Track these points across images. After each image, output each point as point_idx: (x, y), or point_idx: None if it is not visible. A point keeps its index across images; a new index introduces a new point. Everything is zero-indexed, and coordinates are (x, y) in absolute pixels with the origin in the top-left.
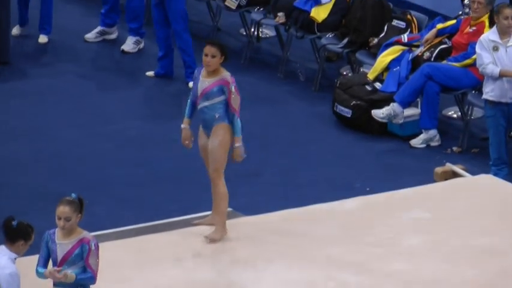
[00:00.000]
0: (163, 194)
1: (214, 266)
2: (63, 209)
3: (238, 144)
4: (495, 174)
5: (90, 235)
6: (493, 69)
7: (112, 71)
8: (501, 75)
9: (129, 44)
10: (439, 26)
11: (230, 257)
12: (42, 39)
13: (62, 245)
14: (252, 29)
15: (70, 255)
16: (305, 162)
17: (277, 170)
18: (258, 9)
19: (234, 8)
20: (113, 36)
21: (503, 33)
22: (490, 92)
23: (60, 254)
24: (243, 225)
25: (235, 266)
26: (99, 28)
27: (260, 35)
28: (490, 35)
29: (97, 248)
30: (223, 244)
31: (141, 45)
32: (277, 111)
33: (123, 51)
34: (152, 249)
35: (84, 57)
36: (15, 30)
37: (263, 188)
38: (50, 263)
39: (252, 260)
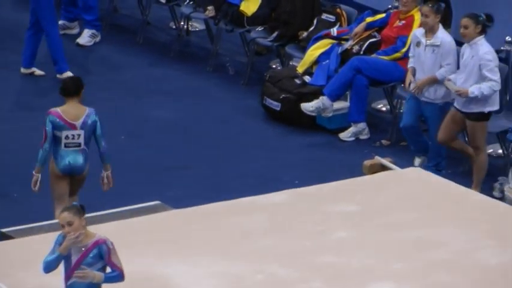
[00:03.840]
0: None
1: (143, 258)
2: (62, 216)
3: None
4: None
5: (103, 236)
6: (409, 64)
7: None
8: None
9: (85, 37)
10: (368, 19)
11: (158, 250)
12: None
13: (76, 248)
14: (182, 23)
15: (85, 257)
16: (234, 155)
17: (206, 163)
18: (188, 2)
19: (163, 1)
20: (75, 31)
21: (426, 31)
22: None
23: (74, 257)
24: (171, 218)
25: (164, 258)
26: (60, 22)
27: (189, 28)
28: (419, 30)
29: (113, 246)
30: (151, 236)
31: (98, 39)
32: (206, 105)
33: (78, 44)
34: None
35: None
36: None
37: (192, 181)
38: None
39: (180, 252)
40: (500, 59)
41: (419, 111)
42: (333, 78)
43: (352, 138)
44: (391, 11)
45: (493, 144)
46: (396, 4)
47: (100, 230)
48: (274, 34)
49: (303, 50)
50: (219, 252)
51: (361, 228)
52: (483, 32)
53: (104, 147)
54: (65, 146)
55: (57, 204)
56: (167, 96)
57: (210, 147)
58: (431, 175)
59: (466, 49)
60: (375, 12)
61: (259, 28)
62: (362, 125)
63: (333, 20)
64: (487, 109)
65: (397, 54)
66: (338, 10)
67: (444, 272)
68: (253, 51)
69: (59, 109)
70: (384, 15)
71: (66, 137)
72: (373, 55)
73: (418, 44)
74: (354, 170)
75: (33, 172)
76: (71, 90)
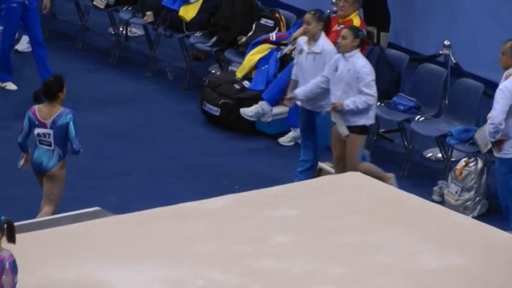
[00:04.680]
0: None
1: (81, 264)
2: None
3: None
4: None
5: (8, 254)
6: (293, 72)
7: None
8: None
9: (23, 44)
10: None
11: (97, 256)
12: None
13: None
14: (121, 28)
15: None
16: (174, 160)
17: (146, 169)
18: (127, 8)
19: (102, 7)
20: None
21: (308, 38)
22: None
23: None
24: (110, 223)
25: (103, 264)
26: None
27: (129, 34)
28: (303, 38)
29: (12, 266)
30: (91, 242)
31: None
32: (145, 110)
33: (16, 51)
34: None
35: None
36: None
37: (133, 186)
38: None
39: (121, 258)
40: (439, 63)
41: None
42: (272, 83)
43: (292, 143)
44: (330, 15)
45: (432, 148)
46: (335, 9)
47: (39, 237)
48: (213, 39)
49: (242, 55)
50: (159, 258)
51: (302, 233)
52: (360, 46)
53: (75, 148)
54: (40, 143)
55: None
56: (107, 102)
57: (151, 152)
58: (371, 180)
59: (340, 61)
60: None
61: (198, 33)
62: None
63: (271, 25)
64: (368, 122)
65: None
66: (277, 15)
67: (385, 276)
68: (192, 57)
69: (36, 107)
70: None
71: (38, 135)
72: None
73: (300, 51)
74: (293, 175)
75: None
76: (45, 91)
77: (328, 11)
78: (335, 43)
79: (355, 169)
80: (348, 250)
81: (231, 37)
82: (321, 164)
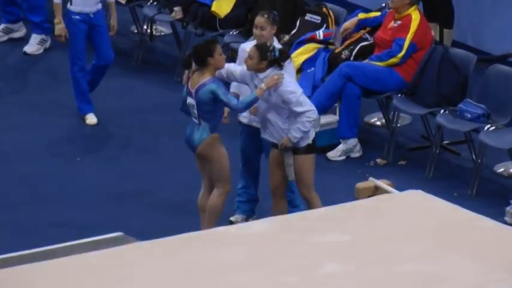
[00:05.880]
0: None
1: None
2: None
3: None
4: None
5: None
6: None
7: (8, 78)
8: None
9: (33, 45)
10: (361, 15)
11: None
12: None
13: None
14: (145, 26)
15: None
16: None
17: (174, 189)
18: (151, 3)
19: (123, 2)
20: (20, 33)
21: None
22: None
23: None
24: (135, 251)
25: None
26: (2, 25)
27: (154, 32)
28: (247, 44)
29: None
30: (111, 273)
31: (47, 44)
32: (173, 121)
33: (25, 53)
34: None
35: None
36: None
37: (158, 208)
38: None
39: None
40: None
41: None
42: (319, 88)
43: (343, 157)
44: (387, 10)
45: (504, 163)
46: (389, 2)
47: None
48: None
49: None
50: None
51: (355, 262)
52: (271, 66)
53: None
54: (192, 115)
55: None
56: (129, 111)
57: (178, 168)
58: (434, 199)
59: (257, 82)
60: (367, 11)
61: (234, 31)
62: (352, 141)
63: (318, 21)
64: (311, 139)
65: (393, 60)
66: (324, 10)
67: None
68: (227, 58)
69: (194, 71)
70: (379, 13)
71: (189, 104)
72: (366, 61)
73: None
74: (345, 194)
75: None
76: (193, 56)
77: (384, 4)
78: (391, 42)
79: (309, 197)
80: (408, 281)
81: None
82: (376, 182)
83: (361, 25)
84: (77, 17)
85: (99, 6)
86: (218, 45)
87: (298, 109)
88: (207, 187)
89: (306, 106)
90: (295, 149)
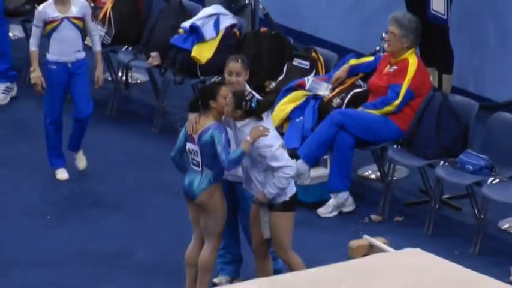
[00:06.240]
0: None
1: None
2: None
3: None
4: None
5: None
6: None
7: None
8: None
9: None
10: (352, 61)
11: None
12: None
13: None
14: (120, 73)
15: None
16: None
17: (153, 250)
18: (126, 48)
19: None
20: None
21: None
22: None
23: None
24: None
25: None
26: None
27: (129, 80)
28: None
29: None
30: None
31: (13, 93)
32: (152, 175)
33: None
34: None
35: None
36: None
37: (135, 272)
38: None
39: None
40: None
41: None
42: (309, 137)
43: (334, 213)
44: (380, 54)
45: (509, 218)
46: (385, 46)
47: None
48: None
49: (271, 104)
50: None
51: None
52: (248, 116)
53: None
54: (191, 163)
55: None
56: (104, 165)
57: (159, 227)
58: (434, 258)
59: (236, 130)
60: (360, 56)
61: (216, 78)
62: (344, 195)
63: (307, 67)
64: (288, 196)
65: (389, 108)
66: (314, 54)
67: None
68: None
69: (194, 116)
70: (372, 58)
71: (189, 151)
72: (359, 108)
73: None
74: (338, 253)
75: None
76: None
77: (378, 48)
78: (386, 88)
79: (286, 258)
80: None
81: (257, 82)
82: (371, 239)
83: (352, 72)
84: (54, 66)
85: (80, 55)
86: (224, 89)
87: (273, 164)
88: (199, 240)
89: (283, 161)
90: (270, 206)
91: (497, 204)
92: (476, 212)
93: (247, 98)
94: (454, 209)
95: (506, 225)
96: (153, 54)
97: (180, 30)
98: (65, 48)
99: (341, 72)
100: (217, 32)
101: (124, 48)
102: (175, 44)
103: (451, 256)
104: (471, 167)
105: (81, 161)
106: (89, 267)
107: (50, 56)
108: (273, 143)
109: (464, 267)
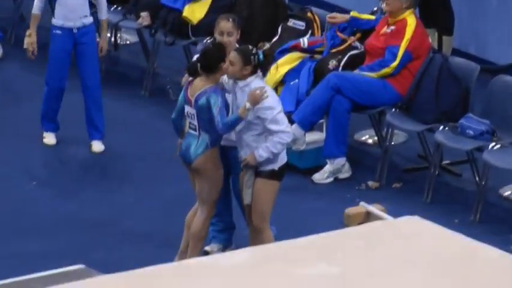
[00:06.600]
0: None
1: None
2: None
3: None
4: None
5: None
6: None
7: None
8: None
9: None
10: (354, 13)
11: None
12: None
13: None
14: (108, 34)
15: None
16: (176, 205)
17: (141, 218)
18: (116, 8)
19: None
20: None
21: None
22: None
23: None
24: (98, 285)
25: None
26: None
27: (119, 41)
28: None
29: None
30: None
31: None
32: (140, 140)
33: None
34: None
35: None
36: None
37: (122, 239)
38: None
39: None
40: None
41: None
42: (304, 101)
43: (330, 180)
44: (381, 15)
45: (511, 185)
46: (383, 5)
47: None
48: None
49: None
50: None
51: None
52: (255, 71)
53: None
54: (189, 126)
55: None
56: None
57: (147, 194)
58: (433, 226)
59: (236, 90)
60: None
61: (208, 39)
62: (340, 161)
63: (302, 28)
64: (277, 165)
65: (386, 70)
66: (309, 14)
67: None
68: None
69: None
70: (373, 17)
71: (187, 114)
72: (356, 71)
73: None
74: (333, 221)
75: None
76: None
77: (376, 8)
78: (384, 50)
79: (261, 227)
80: None
81: (250, 43)
82: (368, 207)
83: (352, 24)
84: (58, 31)
85: (87, 20)
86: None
87: (273, 127)
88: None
89: (282, 126)
90: (258, 172)
91: (498, 170)
92: (477, 178)
93: (253, 52)
94: (453, 175)
95: (508, 192)
96: (143, 14)
97: None
98: (70, 13)
99: (341, 17)
100: None
101: (113, 8)
102: (165, 3)
103: (450, 224)
104: (472, 132)
105: (98, 147)
106: (75, 235)
107: (54, 21)
108: (275, 106)
109: (464, 235)
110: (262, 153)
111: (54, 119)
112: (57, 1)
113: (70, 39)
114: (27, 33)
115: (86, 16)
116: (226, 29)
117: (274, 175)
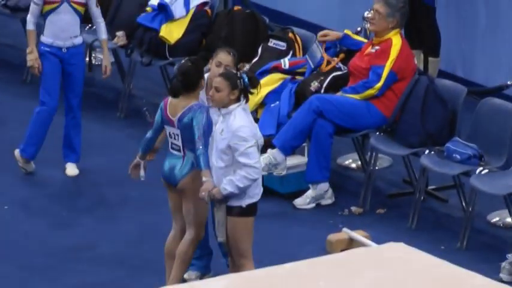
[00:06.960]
0: None
1: None
2: None
3: None
4: None
5: None
6: None
7: None
8: None
9: None
10: (348, 31)
11: None
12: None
13: None
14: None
15: None
16: (153, 230)
17: (116, 243)
18: (90, 27)
19: None
20: None
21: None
22: None
23: None
24: None
25: None
26: None
27: (93, 61)
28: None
29: None
30: None
31: None
32: (116, 163)
33: None
34: None
35: None
36: None
37: (97, 265)
38: None
39: None
40: (507, 97)
41: None
42: (286, 125)
43: (312, 205)
44: (371, 37)
45: (499, 211)
46: (368, 26)
47: None
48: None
49: None
50: None
51: None
52: (239, 99)
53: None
54: (171, 147)
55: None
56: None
57: (123, 219)
58: (418, 252)
59: (219, 116)
60: None
61: (184, 60)
62: (323, 186)
63: (283, 48)
64: (245, 202)
65: (370, 91)
66: (290, 35)
67: None
68: None
69: (170, 98)
70: (365, 40)
71: (169, 135)
72: (339, 93)
73: None
74: (316, 247)
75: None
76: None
77: (359, 28)
78: (368, 70)
79: (242, 264)
80: None
81: None
82: (351, 233)
83: (343, 43)
84: (47, 49)
85: (77, 41)
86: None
87: (242, 160)
88: (180, 231)
89: (252, 161)
90: (228, 208)
91: (486, 196)
92: (464, 204)
93: (238, 75)
94: (440, 200)
95: (496, 219)
96: (119, 33)
97: (148, 8)
98: (61, 32)
99: (333, 33)
100: (188, 11)
101: (87, 27)
102: (142, 22)
103: (436, 251)
104: (458, 156)
105: (72, 170)
106: (49, 259)
107: (44, 38)
108: (249, 139)
109: (451, 262)
110: (226, 186)
111: (35, 142)
112: (48, 18)
113: (58, 58)
114: (28, 50)
115: (76, 36)
116: (226, 62)
117: (243, 213)
